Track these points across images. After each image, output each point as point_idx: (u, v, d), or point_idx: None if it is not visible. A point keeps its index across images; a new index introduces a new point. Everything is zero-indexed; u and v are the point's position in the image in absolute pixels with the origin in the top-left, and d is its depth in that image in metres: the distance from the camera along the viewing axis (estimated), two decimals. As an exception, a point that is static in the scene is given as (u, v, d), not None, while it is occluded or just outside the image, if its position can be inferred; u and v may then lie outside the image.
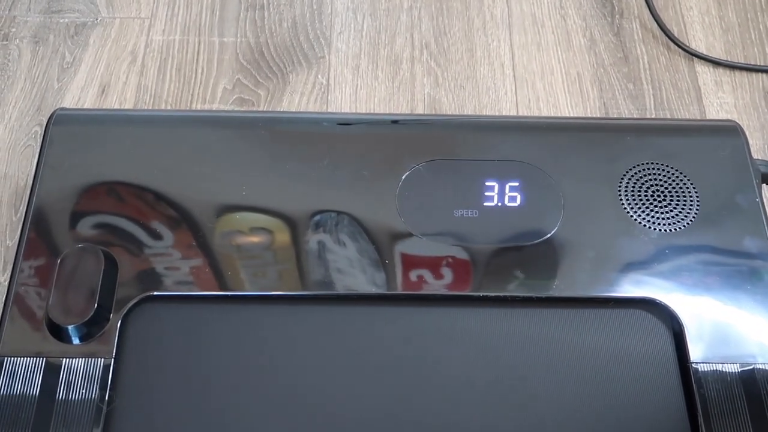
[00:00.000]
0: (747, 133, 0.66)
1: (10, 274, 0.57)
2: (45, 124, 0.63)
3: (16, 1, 0.81)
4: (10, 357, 0.53)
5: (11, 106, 0.74)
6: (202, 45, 0.79)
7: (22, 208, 0.68)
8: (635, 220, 0.60)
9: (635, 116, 0.76)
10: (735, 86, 0.78)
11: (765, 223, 0.59)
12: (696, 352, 0.54)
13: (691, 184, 0.61)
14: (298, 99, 0.76)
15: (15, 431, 0.50)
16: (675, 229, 0.59)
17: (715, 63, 0.79)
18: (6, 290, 0.57)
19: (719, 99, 0.77)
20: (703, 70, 0.79)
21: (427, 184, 0.60)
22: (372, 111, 0.75)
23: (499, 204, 0.60)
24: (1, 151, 0.72)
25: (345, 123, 0.66)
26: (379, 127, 0.65)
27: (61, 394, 0.52)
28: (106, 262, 0.56)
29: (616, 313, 0.56)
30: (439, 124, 0.67)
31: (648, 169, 0.62)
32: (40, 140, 0.63)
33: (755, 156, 0.65)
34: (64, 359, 0.53)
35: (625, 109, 0.76)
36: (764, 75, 0.79)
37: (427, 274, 0.57)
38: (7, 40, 0.78)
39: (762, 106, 0.77)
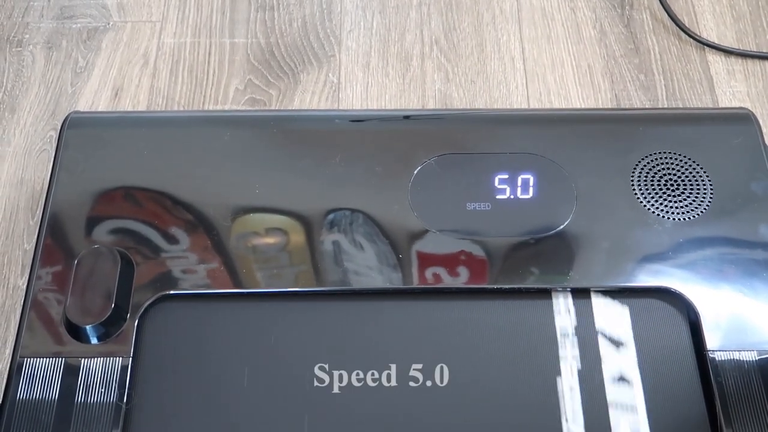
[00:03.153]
0: (761, 121, 0.65)
1: (28, 277, 0.58)
2: (59, 128, 0.64)
3: (29, 8, 0.81)
4: (30, 358, 0.53)
5: (26, 112, 0.75)
6: (213, 46, 0.79)
7: (39, 213, 0.68)
8: (649, 209, 0.59)
9: (647, 106, 0.75)
10: (747, 74, 0.78)
11: (780, 209, 0.59)
12: (712, 340, 0.54)
13: (705, 172, 0.61)
14: (310, 98, 0.77)
15: (36, 430, 0.51)
16: (689, 218, 0.59)
17: (727, 52, 0.79)
18: (24, 293, 0.57)
19: (732, 88, 0.77)
20: (715, 60, 0.79)
21: (439, 178, 0.61)
22: (383, 108, 0.76)
23: (512, 197, 0.60)
24: (17, 156, 0.73)
25: (356, 119, 0.66)
26: (390, 123, 0.65)
27: (80, 393, 0.52)
28: (123, 262, 0.56)
29: (632, 302, 0.56)
30: (449, 118, 0.67)
31: (661, 158, 0.62)
32: (55, 144, 0.64)
33: (769, 144, 0.65)
34: (83, 359, 0.53)
35: (636, 101, 0.76)
36: (777, 62, 0.78)
37: (440, 268, 0.57)
38: (20, 47, 0.79)
39: (775, 93, 0.76)
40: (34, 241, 0.60)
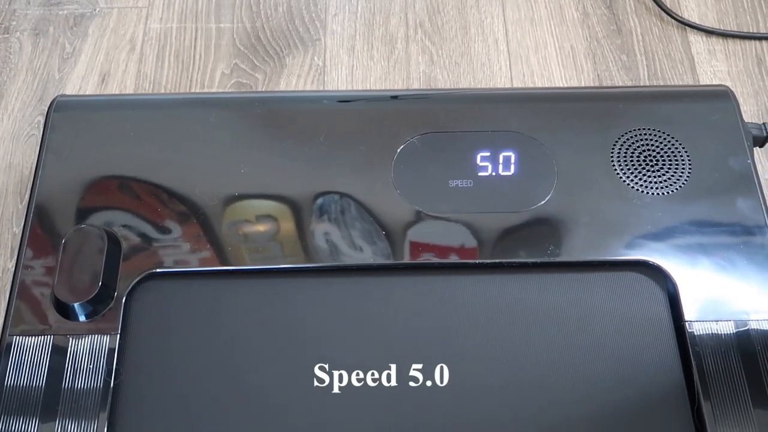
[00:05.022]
0: (741, 100, 0.66)
1: (16, 257, 0.58)
2: (46, 111, 0.64)
3: (15, -5, 0.82)
4: (20, 336, 0.54)
5: (14, 98, 0.76)
6: (199, 31, 0.80)
7: (28, 196, 0.69)
8: (628, 184, 0.60)
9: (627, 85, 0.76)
10: (728, 54, 0.79)
11: (757, 184, 0.60)
12: (690, 311, 0.55)
13: (683, 148, 0.62)
14: (295, 81, 0.77)
15: (26, 406, 0.52)
16: (667, 193, 0.60)
17: (708, 32, 0.79)
18: (13, 274, 0.58)
19: (713, 67, 0.78)
20: (696, 40, 0.79)
21: (422, 156, 0.61)
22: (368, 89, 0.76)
23: (493, 174, 0.61)
24: (5, 142, 0.73)
25: (339, 100, 0.67)
26: (373, 103, 0.66)
27: (69, 369, 0.53)
28: (109, 241, 0.57)
29: (612, 275, 0.57)
30: (432, 97, 0.68)
31: (640, 134, 0.62)
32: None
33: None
34: (71, 337, 0.54)
35: (619, 81, 0.77)
36: (757, 42, 0.79)
37: (422, 244, 0.58)
38: (8, 33, 0.79)
39: (755, 72, 0.77)
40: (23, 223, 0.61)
